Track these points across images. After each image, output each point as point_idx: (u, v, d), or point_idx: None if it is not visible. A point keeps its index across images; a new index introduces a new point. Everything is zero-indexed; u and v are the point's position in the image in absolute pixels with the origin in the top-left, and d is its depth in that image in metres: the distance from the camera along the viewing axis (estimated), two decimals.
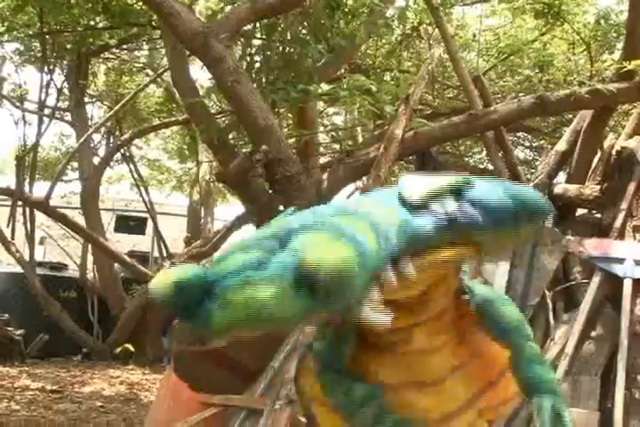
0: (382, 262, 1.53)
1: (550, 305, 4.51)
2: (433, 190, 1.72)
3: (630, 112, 5.76)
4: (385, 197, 1.78)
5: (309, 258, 1.40)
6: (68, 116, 12.66)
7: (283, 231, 1.56)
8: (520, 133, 12.51)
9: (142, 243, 14.81)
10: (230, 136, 7.19)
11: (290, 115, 8.20)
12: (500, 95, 10.75)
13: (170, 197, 18.54)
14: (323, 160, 8.34)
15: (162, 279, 1.50)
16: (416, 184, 1.76)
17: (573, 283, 4.60)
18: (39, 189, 11.43)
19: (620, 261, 4.29)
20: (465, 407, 1.84)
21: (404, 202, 1.72)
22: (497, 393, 1.91)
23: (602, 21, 10.04)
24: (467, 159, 12.61)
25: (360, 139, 10.32)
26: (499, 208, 1.75)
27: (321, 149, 9.84)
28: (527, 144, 13.32)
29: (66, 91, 12.20)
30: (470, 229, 1.71)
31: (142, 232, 16.32)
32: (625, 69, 4.82)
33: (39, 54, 10.85)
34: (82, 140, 11.32)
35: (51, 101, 11.95)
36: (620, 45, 8.84)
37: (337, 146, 11.41)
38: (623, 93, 4.94)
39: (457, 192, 1.73)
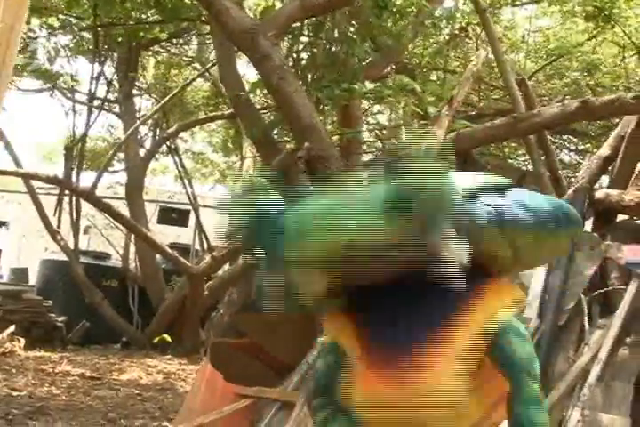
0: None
1: (586, 310, 4.50)
2: (483, 185, 1.79)
3: None
4: None
5: (409, 180, 1.47)
6: (117, 108, 12.90)
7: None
8: (566, 136, 12.42)
9: (184, 235, 14.98)
10: (275, 132, 7.27)
11: (334, 113, 8.26)
12: (546, 98, 10.70)
13: (213, 190, 18.75)
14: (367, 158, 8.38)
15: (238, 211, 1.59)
16: (466, 178, 1.83)
17: (610, 288, 4.57)
18: (86, 179, 11.66)
19: None
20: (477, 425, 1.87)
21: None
22: (502, 411, 1.93)
23: None
24: (511, 161, 12.54)
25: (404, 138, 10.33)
26: (541, 210, 1.86)
27: (365, 148, 9.88)
28: (573, 147, 13.21)
29: (115, 83, 12.42)
30: (515, 226, 1.80)
31: (185, 224, 16.48)
32: None
33: (91, 46, 11.05)
34: (129, 131, 11.51)
35: (100, 93, 12.19)
36: None
37: (380, 144, 11.43)
38: None
39: (503, 191, 1.82)
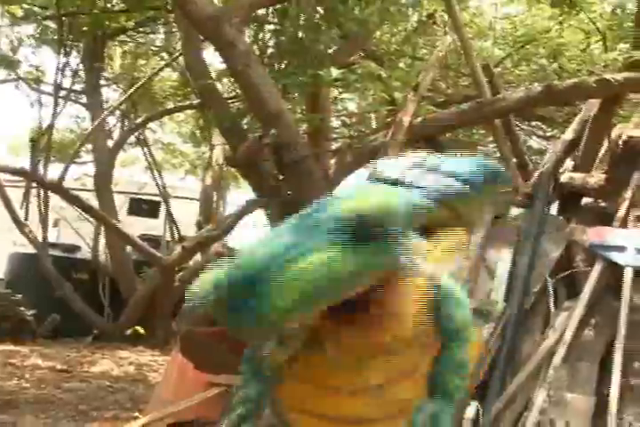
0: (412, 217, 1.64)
1: (552, 292, 4.54)
2: (411, 167, 1.82)
3: None
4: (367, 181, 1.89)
5: (349, 205, 1.49)
6: (84, 99, 12.74)
7: (308, 219, 1.62)
8: (534, 123, 12.47)
9: (155, 226, 14.87)
10: (245, 120, 7.24)
11: (303, 101, 8.23)
12: (514, 84, 10.72)
13: (183, 180, 18.64)
14: (335, 146, 8.37)
15: (202, 285, 1.59)
16: (393, 164, 1.87)
17: (575, 271, 4.62)
18: (53, 171, 11.53)
19: (622, 249, 4.30)
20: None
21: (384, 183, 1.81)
22: None
23: (618, 11, 9.96)
24: (480, 148, 12.58)
25: (374, 125, 10.34)
26: (470, 176, 1.91)
27: (333, 135, 9.87)
28: (541, 134, 13.27)
29: (82, 73, 12.27)
30: (453, 197, 1.84)
31: (155, 215, 16.38)
32: (633, 59, 4.83)
33: (55, 36, 10.90)
34: (96, 122, 11.40)
35: (67, 84, 12.05)
36: None
37: (348, 132, 11.43)
38: (630, 83, 4.93)
39: (432, 167, 1.87)
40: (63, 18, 10.18)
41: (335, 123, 11.06)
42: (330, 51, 6.86)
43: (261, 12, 6.66)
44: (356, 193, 1.59)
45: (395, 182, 1.84)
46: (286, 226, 1.65)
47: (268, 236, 1.66)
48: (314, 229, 1.54)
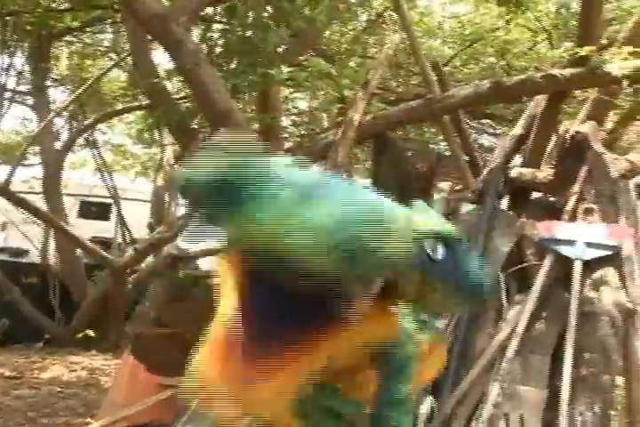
0: None
1: (503, 286, 4.59)
2: (437, 230, 1.74)
3: (587, 99, 5.83)
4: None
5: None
6: (30, 100, 12.51)
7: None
8: (484, 121, 12.61)
9: (106, 229, 14.67)
10: (196, 120, 7.17)
11: (254, 100, 8.19)
12: (464, 83, 10.82)
13: (134, 182, 18.45)
14: (286, 145, 8.34)
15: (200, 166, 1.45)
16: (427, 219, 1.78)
17: (526, 265, 4.67)
18: (0, 174, 11.30)
19: (571, 243, 4.36)
20: None
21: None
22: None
23: (562, 10, 10.13)
24: (432, 146, 12.68)
25: (326, 124, 10.36)
26: (468, 279, 1.81)
27: (284, 135, 9.85)
28: (491, 131, 13.42)
29: (27, 74, 12.05)
30: (438, 281, 1.73)
31: (106, 218, 16.17)
32: (579, 55, 4.89)
33: None
34: (43, 124, 11.19)
35: (11, 85, 11.82)
36: None
37: (299, 131, 11.43)
38: (576, 79, 5.00)
39: (449, 242, 1.77)
40: (6, 17, 9.99)
41: (286, 122, 11.05)
42: (279, 50, 6.83)
43: (209, 11, 6.60)
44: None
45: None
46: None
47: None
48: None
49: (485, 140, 13.18)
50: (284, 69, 5.89)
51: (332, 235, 1.36)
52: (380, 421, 1.83)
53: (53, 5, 9.84)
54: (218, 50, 6.68)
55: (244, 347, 1.56)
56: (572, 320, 4.09)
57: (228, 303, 1.71)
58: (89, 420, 5.99)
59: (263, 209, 1.37)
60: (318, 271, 1.38)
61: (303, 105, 13.27)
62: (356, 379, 1.82)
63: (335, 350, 1.63)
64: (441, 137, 12.73)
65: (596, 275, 4.34)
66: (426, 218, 1.80)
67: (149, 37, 7.02)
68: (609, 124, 6.14)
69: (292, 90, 11.04)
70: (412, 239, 1.58)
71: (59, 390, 7.44)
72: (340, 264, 1.37)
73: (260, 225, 1.36)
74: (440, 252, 1.71)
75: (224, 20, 6.85)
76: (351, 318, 1.64)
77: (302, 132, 10.69)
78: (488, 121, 12.71)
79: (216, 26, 7.01)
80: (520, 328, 4.22)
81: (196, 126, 7.02)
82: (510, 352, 4.13)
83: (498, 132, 13.20)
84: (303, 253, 1.35)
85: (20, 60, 11.74)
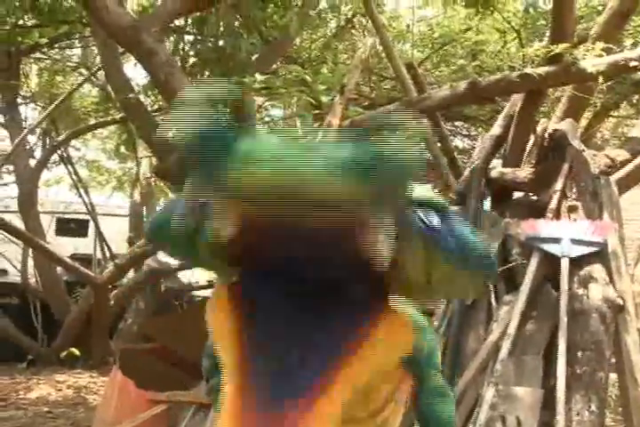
0: None
1: (492, 287, 4.58)
2: (423, 198, 1.65)
3: (561, 98, 5.85)
4: None
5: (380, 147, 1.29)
6: (1, 118, 12.39)
7: None
8: (458, 123, 12.65)
9: (85, 245, 14.53)
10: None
11: None
12: (435, 85, 10.85)
13: (111, 198, 18.30)
14: None
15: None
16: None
17: (513, 264, 4.66)
18: None
19: (557, 240, 4.36)
20: (390, 399, 1.79)
21: None
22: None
23: (530, 9, 10.18)
24: None
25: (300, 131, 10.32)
26: (468, 247, 1.61)
27: None
28: (465, 133, 13.47)
29: None
30: (439, 253, 1.58)
31: (84, 235, 16.03)
32: (553, 53, 4.90)
33: None
34: (16, 141, 11.08)
35: None
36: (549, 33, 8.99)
37: None
38: (551, 77, 5.00)
39: (440, 211, 1.65)
40: None
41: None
42: (252, 58, 6.81)
43: (180, 21, 6.56)
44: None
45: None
46: None
47: None
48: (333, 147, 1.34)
49: (460, 142, 13.23)
50: (258, 77, 5.86)
51: (342, 153, 1.27)
52: (426, 413, 1.84)
53: (20, 22, 9.72)
54: (191, 60, 6.64)
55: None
56: (563, 318, 4.08)
57: (227, 353, 1.56)
58: None
59: (256, 149, 1.28)
60: (333, 201, 1.27)
61: (276, 113, 13.25)
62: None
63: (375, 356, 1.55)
64: None
65: (584, 272, 4.34)
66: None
67: (121, 50, 6.97)
68: (583, 122, 6.17)
69: (265, 98, 11.01)
70: (422, 146, 1.44)
71: (46, 409, 7.34)
72: (357, 180, 1.26)
73: (260, 163, 1.26)
74: (435, 219, 1.60)
75: (195, 30, 6.81)
76: (378, 306, 1.58)
77: None
78: (461, 123, 12.75)
79: (187, 37, 6.98)
80: (511, 328, 4.20)
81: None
82: (503, 353, 4.11)
83: (472, 133, 13.26)
84: (314, 180, 1.25)
85: None
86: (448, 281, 1.66)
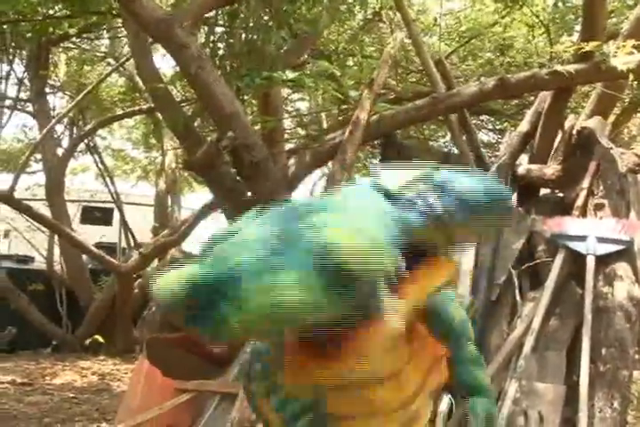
0: (395, 253, 1.58)
1: (517, 283, 4.60)
2: (411, 182, 1.77)
3: (590, 93, 5.85)
4: (361, 192, 1.83)
5: (335, 243, 1.41)
6: (30, 107, 12.52)
7: (281, 231, 1.52)
8: (483, 117, 12.61)
9: (110, 234, 14.67)
10: (196, 124, 7.17)
11: (254, 101, 8.20)
12: (462, 79, 10.83)
13: (136, 186, 18.44)
14: (289, 146, 8.35)
15: (169, 281, 1.44)
16: (392, 177, 1.81)
17: (538, 261, 4.68)
18: (3, 182, 11.31)
19: (582, 238, 4.37)
20: (418, 391, 1.89)
21: (383, 195, 1.77)
22: (440, 372, 1.97)
23: (560, 4, 10.11)
24: (431, 143, 12.68)
25: (325, 124, 10.35)
26: (472, 198, 1.84)
27: (286, 136, 9.85)
28: (490, 127, 13.42)
29: (26, 81, 12.06)
30: (449, 219, 1.80)
31: (109, 223, 16.18)
32: (583, 51, 4.90)
33: None
34: (44, 131, 11.19)
35: (11, 92, 11.82)
36: (578, 28, 8.93)
37: (302, 132, 11.42)
38: (581, 74, 5.01)
39: (438, 183, 1.80)
40: (4, 25, 9.98)
41: (286, 123, 11.04)
42: (281, 51, 6.84)
43: (211, 14, 6.60)
44: (341, 220, 1.52)
45: (392, 196, 1.80)
46: (257, 224, 1.58)
47: (239, 232, 1.58)
48: (291, 243, 1.46)
49: (485, 136, 13.19)
50: (287, 71, 5.89)
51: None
52: (468, 380, 1.94)
53: (51, 12, 9.81)
54: (221, 53, 6.68)
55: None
56: (588, 315, 4.10)
57: None
58: (104, 425, 6.01)
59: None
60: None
61: (303, 106, 13.29)
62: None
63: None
64: (440, 134, 12.80)
65: (609, 269, 4.35)
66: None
67: (151, 41, 7.03)
68: (611, 118, 6.15)
69: (291, 91, 11.05)
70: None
71: (72, 395, 7.45)
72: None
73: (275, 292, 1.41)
74: (424, 197, 1.81)
75: (226, 23, 6.84)
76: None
77: (308, 132, 10.66)
78: (486, 117, 12.71)
79: (218, 29, 7.01)
80: (535, 325, 4.22)
81: (199, 129, 7.02)
82: (527, 349, 4.13)
83: (497, 127, 13.21)
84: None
85: (19, 68, 11.74)
86: (466, 232, 1.96)
